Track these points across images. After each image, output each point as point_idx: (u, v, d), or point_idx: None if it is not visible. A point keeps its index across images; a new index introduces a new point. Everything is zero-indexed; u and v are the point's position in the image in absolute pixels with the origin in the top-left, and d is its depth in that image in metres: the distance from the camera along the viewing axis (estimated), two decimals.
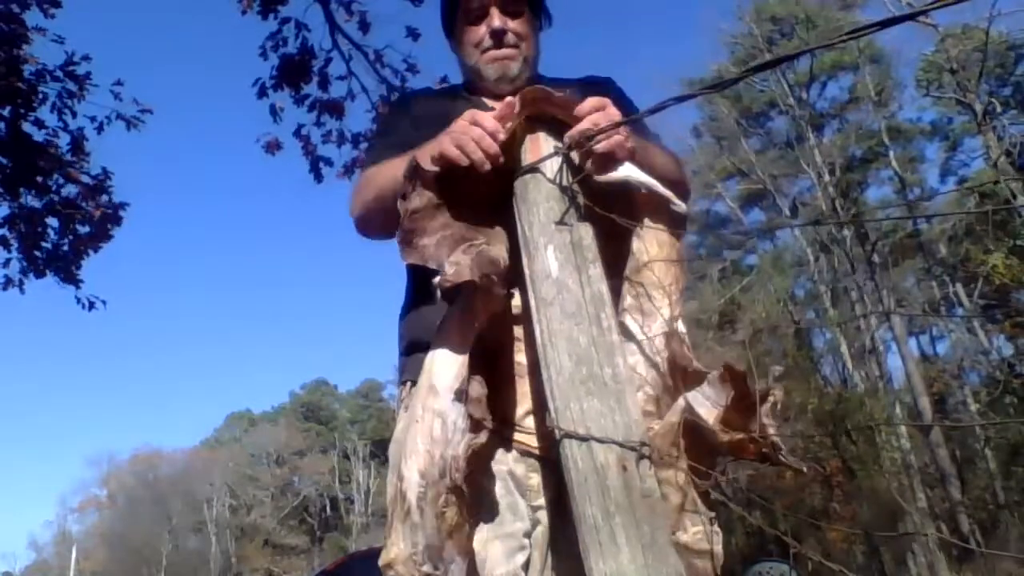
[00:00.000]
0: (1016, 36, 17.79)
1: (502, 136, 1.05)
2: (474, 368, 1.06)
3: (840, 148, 21.07)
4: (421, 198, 1.04)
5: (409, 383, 1.40)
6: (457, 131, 1.10)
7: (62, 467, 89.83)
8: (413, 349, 1.43)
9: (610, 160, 1.07)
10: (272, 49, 6.07)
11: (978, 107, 16.44)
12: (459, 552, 1.03)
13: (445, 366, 1.10)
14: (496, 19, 1.47)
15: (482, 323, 1.08)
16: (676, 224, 1.14)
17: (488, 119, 1.08)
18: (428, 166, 1.07)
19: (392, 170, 1.35)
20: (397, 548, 1.02)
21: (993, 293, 17.11)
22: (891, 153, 20.86)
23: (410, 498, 1.02)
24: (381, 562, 1.04)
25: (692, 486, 1.02)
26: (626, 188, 1.09)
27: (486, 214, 1.09)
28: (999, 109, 18.24)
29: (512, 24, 1.48)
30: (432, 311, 1.35)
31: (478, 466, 1.08)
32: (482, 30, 1.48)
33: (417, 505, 1.02)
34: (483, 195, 1.08)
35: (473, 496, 1.07)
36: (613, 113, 1.10)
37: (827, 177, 20.22)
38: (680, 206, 1.13)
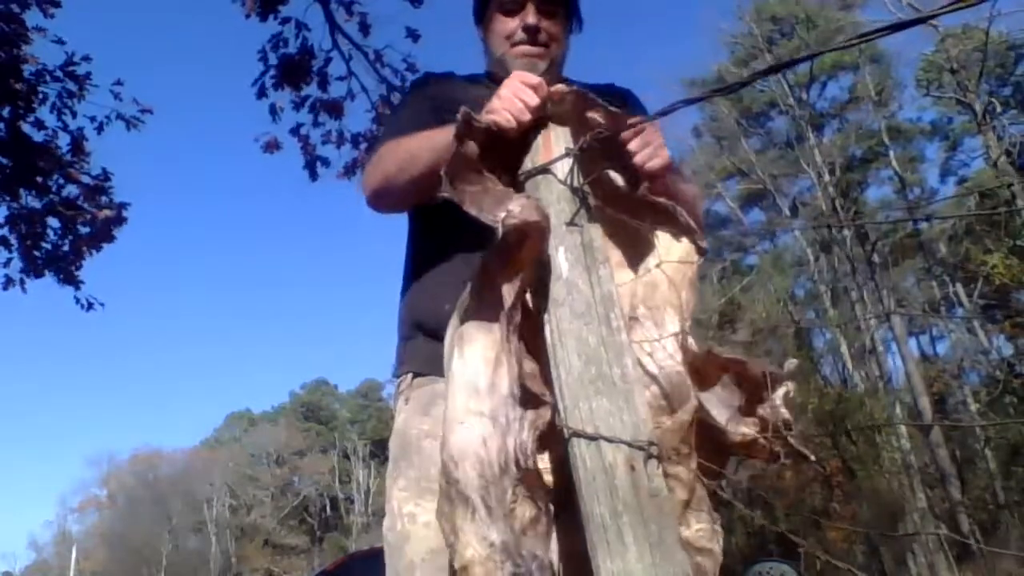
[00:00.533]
0: (1016, 36, 17.80)
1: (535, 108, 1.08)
2: (522, 337, 1.01)
3: (840, 148, 21.09)
4: (470, 152, 1.03)
5: (411, 375, 1.37)
6: (508, 93, 1.12)
7: (62, 467, 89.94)
8: (414, 333, 1.39)
9: (657, 178, 1.10)
10: (272, 49, 6.07)
11: (978, 107, 16.46)
12: (540, 548, 0.96)
13: (478, 354, 1.03)
14: (531, 15, 1.45)
15: (526, 281, 1.03)
16: (696, 252, 1.13)
17: (529, 94, 1.10)
18: (481, 120, 1.06)
19: (416, 142, 1.34)
20: (472, 549, 0.93)
21: (993, 293, 17.12)
22: (891, 153, 20.88)
23: (473, 498, 0.95)
24: (457, 564, 0.95)
25: (700, 484, 1.01)
26: (666, 208, 1.10)
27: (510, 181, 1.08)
28: (999, 109, 18.26)
29: (546, 23, 1.47)
30: (440, 287, 1.32)
31: (548, 446, 1.02)
32: (515, 23, 1.46)
33: (483, 503, 0.95)
34: (508, 161, 1.07)
35: (553, 482, 1.02)
36: (657, 146, 1.13)
37: (827, 177, 20.23)
38: (702, 238, 1.13)
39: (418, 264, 1.44)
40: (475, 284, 1.04)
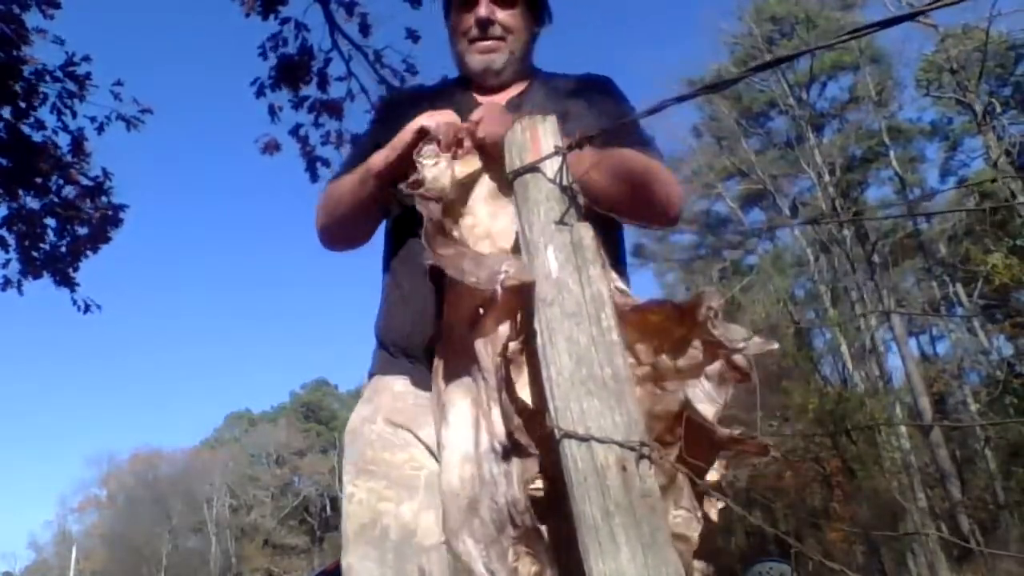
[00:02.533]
0: (1016, 36, 17.79)
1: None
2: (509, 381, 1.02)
3: (840, 148, 21.08)
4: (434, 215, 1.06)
5: (369, 377, 1.41)
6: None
7: (62, 467, 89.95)
8: (377, 347, 1.43)
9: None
10: (272, 50, 6.07)
11: (978, 107, 16.45)
12: None
13: (462, 418, 1.07)
14: (483, 8, 1.42)
15: (517, 327, 1.04)
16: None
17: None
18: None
19: (342, 186, 1.40)
20: None
21: (993, 293, 17.10)
22: (891, 153, 20.86)
23: (477, 569, 0.97)
24: None
25: (680, 474, 1.01)
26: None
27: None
28: (999, 109, 18.25)
29: (501, 15, 1.43)
30: (395, 306, 1.38)
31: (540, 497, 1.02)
32: (471, 19, 1.44)
33: (486, 569, 0.96)
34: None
35: (551, 532, 1.01)
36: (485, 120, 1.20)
37: (827, 177, 20.23)
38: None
39: (385, 280, 1.46)
40: (446, 342, 1.10)
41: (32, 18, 6.11)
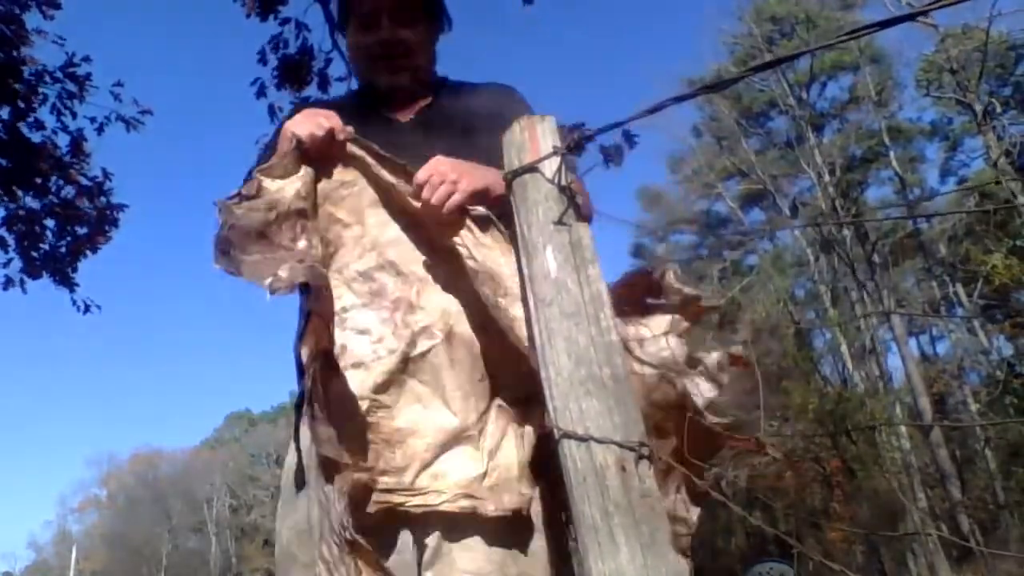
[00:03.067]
0: (1016, 36, 17.78)
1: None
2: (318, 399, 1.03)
3: (840, 148, 21.07)
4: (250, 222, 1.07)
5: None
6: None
7: (62, 467, 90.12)
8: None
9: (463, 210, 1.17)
10: (272, 51, 6.06)
11: (978, 107, 16.43)
12: None
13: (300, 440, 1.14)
14: (386, 31, 1.40)
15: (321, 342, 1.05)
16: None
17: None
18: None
19: None
20: None
21: (993, 293, 17.09)
22: (891, 153, 20.85)
23: None
24: None
25: (675, 463, 1.02)
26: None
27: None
28: (999, 109, 18.24)
29: (404, 32, 1.41)
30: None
31: (361, 508, 1.04)
32: (372, 38, 1.42)
33: None
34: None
35: (379, 544, 1.04)
36: (444, 172, 1.17)
37: (827, 177, 20.22)
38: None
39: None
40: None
41: (32, 19, 6.11)
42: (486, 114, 1.38)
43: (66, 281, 6.66)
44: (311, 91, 6.29)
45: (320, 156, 1.19)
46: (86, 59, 6.42)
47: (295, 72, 6.14)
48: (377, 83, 1.45)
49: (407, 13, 1.41)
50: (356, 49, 1.47)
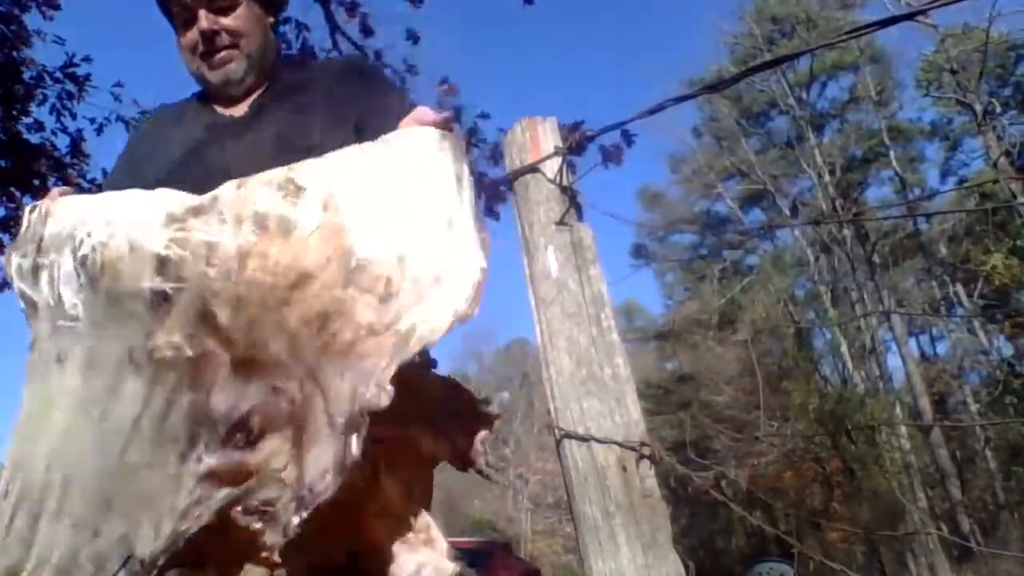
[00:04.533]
0: (1016, 36, 17.78)
1: None
2: None
3: (840, 148, 21.08)
4: None
5: None
6: None
7: None
8: None
9: None
10: None
11: (978, 107, 16.44)
12: None
13: None
14: (204, 21, 1.33)
15: None
16: None
17: None
18: None
19: None
20: None
21: (993, 293, 17.09)
22: (891, 153, 20.85)
23: None
24: None
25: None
26: None
27: None
28: (999, 109, 18.23)
29: (224, 21, 1.33)
30: None
31: None
32: (195, 34, 1.34)
33: None
34: None
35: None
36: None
37: (827, 177, 20.22)
38: None
39: None
40: None
41: (32, 19, 6.10)
42: (324, 89, 1.33)
43: None
44: None
45: None
46: (86, 59, 6.41)
47: None
48: (210, 79, 1.37)
49: (223, 1, 1.33)
50: (182, 50, 1.39)
